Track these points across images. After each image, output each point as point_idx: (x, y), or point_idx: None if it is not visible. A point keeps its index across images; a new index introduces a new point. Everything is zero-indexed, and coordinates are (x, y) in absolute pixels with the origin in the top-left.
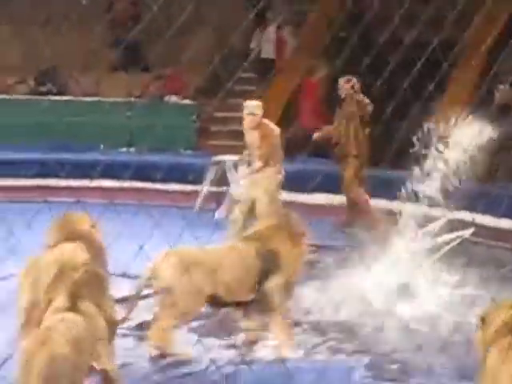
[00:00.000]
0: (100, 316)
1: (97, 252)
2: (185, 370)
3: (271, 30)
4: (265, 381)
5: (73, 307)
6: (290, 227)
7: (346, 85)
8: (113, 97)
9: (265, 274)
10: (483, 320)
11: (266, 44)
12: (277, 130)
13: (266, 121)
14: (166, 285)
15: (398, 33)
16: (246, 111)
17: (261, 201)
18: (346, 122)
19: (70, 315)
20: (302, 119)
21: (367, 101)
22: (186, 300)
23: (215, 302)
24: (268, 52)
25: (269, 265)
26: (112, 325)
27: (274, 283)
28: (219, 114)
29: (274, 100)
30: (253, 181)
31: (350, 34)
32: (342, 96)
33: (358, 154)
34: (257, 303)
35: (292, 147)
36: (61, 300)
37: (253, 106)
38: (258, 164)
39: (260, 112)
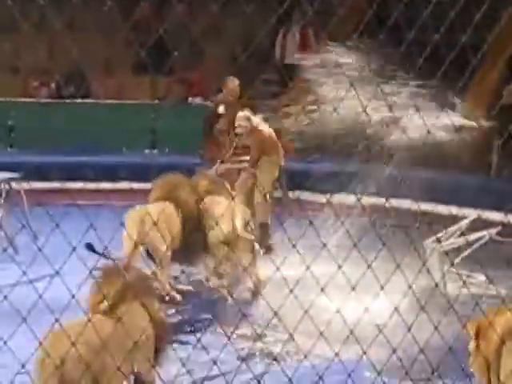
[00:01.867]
0: (144, 318)
1: (187, 214)
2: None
3: (295, 34)
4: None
5: (112, 309)
6: None
7: None
8: (136, 99)
9: None
10: (478, 329)
11: (289, 48)
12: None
13: (259, 127)
14: None
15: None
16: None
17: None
18: None
19: (98, 317)
20: None
21: None
22: None
23: None
24: (291, 57)
25: None
26: (160, 326)
27: None
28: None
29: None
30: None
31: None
32: None
33: None
34: None
35: None
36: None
37: (240, 117)
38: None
39: (246, 123)
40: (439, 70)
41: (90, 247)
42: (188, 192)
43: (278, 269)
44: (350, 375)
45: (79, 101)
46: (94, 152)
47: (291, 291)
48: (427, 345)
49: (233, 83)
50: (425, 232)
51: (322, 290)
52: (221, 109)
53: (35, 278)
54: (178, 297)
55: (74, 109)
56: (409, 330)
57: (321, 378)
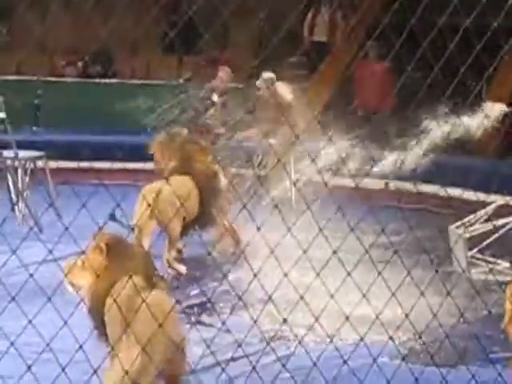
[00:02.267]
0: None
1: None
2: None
3: (324, 12)
4: None
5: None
6: None
7: None
8: (163, 79)
9: None
10: None
11: (318, 26)
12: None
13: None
14: None
15: (457, 17)
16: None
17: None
18: None
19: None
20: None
21: None
22: None
23: None
24: (320, 35)
25: None
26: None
27: None
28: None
29: (325, 83)
30: None
31: (406, 16)
32: None
33: None
34: None
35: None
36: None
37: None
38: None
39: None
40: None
41: (112, 217)
42: (202, 161)
43: (304, 252)
44: (375, 360)
45: (106, 80)
46: (120, 132)
47: (318, 274)
48: (452, 331)
49: (223, 72)
50: (451, 217)
51: (349, 274)
52: (214, 97)
53: (60, 256)
54: (183, 268)
55: (100, 88)
56: (434, 315)
57: (345, 362)
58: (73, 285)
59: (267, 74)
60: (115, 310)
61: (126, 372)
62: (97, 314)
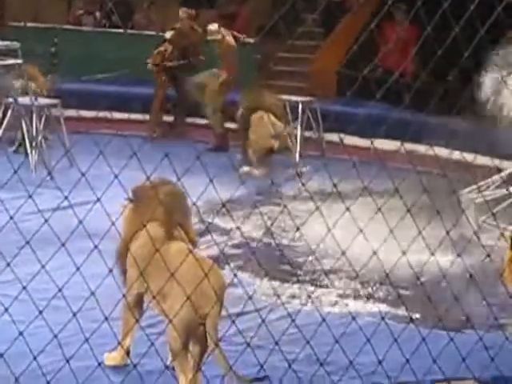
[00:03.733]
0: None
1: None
2: None
3: None
4: None
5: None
6: None
7: None
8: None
9: None
10: None
11: None
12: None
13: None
14: None
15: None
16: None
17: None
18: None
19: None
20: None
21: None
22: None
23: None
24: None
25: None
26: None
27: None
28: (282, 55)
29: (340, 41)
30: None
31: None
32: None
33: None
34: None
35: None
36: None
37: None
38: None
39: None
40: None
41: None
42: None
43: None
44: (383, 318)
45: (123, 31)
46: (136, 83)
47: (329, 230)
48: (461, 294)
49: (182, 13)
50: (463, 182)
51: (361, 230)
52: (167, 34)
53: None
54: None
55: (117, 39)
56: (444, 277)
57: (354, 318)
58: None
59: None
60: (134, 256)
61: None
62: (121, 258)
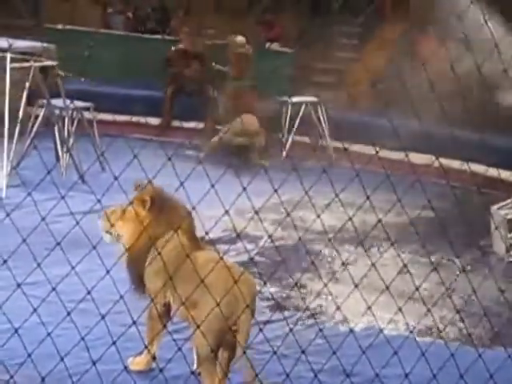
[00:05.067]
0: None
1: None
2: None
3: None
4: None
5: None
6: None
7: None
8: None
9: None
10: None
11: None
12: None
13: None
14: None
15: None
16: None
17: None
18: None
19: None
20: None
21: None
22: None
23: None
24: None
25: None
26: None
27: None
28: (318, 65)
29: (375, 53)
30: None
31: None
32: None
33: None
34: None
35: None
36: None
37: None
38: None
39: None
40: None
41: None
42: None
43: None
44: (411, 331)
45: (158, 36)
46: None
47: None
48: (490, 311)
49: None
50: (494, 198)
51: (393, 244)
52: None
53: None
54: None
55: (152, 44)
56: (474, 291)
57: (381, 330)
58: (110, 234)
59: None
60: (159, 265)
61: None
62: (136, 267)
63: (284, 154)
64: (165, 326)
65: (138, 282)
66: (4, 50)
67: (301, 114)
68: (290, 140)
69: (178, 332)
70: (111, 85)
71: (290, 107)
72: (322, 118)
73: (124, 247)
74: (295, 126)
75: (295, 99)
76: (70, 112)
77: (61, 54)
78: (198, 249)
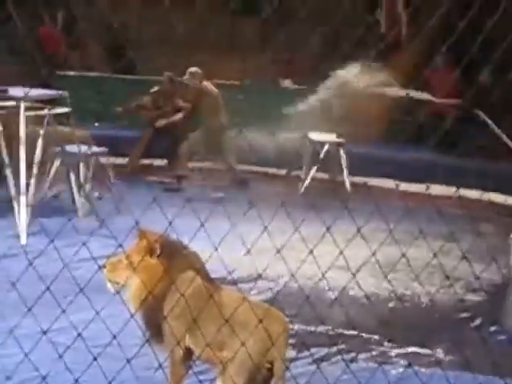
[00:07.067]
0: None
1: None
2: None
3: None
4: None
5: None
6: None
7: None
8: (224, 79)
9: None
10: None
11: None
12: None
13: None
14: None
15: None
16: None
17: None
18: None
19: None
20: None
21: None
22: None
23: None
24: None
25: None
26: None
27: None
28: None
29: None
30: None
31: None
32: None
33: None
34: None
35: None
36: None
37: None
38: None
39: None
40: None
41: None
42: None
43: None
44: (440, 363)
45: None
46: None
47: (385, 276)
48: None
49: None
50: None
51: (417, 276)
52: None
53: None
54: None
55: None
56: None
57: (410, 364)
58: (115, 283)
59: (194, 69)
60: (179, 309)
61: None
62: (152, 316)
63: (302, 189)
64: (188, 369)
65: (156, 331)
66: (19, 99)
67: (322, 154)
68: (309, 176)
69: (202, 373)
70: (125, 128)
71: (310, 145)
72: (342, 155)
73: (133, 297)
74: (316, 163)
75: (314, 136)
76: (84, 157)
77: (74, 100)
78: (218, 289)
